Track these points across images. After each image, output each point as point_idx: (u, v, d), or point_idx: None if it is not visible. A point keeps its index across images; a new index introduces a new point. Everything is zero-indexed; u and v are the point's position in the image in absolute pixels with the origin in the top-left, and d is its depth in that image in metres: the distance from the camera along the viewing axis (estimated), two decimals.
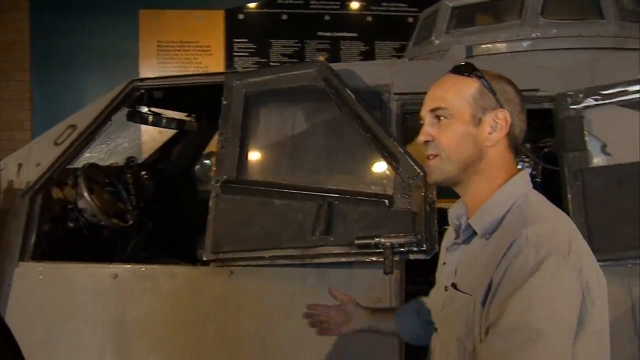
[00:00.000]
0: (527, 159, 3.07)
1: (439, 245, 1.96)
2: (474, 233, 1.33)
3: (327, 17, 6.11)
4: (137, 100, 2.62)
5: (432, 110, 1.35)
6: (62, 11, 5.54)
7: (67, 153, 2.47)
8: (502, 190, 1.30)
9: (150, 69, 5.67)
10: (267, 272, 2.19)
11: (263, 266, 2.16)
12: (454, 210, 1.45)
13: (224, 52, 5.91)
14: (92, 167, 2.76)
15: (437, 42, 2.66)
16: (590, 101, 2.15)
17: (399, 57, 5.99)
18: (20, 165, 2.49)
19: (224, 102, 2.33)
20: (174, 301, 2.24)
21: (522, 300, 1.09)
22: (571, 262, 1.13)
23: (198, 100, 3.22)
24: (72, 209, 2.64)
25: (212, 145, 4.04)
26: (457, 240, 1.40)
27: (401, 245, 1.97)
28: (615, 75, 2.20)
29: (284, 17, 6.03)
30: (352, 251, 2.03)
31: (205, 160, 4.49)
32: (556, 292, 1.10)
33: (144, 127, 4.83)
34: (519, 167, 2.86)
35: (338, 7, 6.13)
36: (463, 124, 1.31)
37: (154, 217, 3.35)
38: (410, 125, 2.49)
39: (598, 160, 2.12)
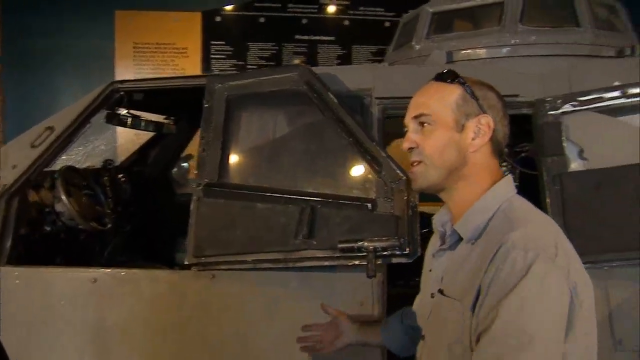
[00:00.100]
0: (504, 164, 3.11)
1: (422, 248, 1.99)
2: (460, 239, 1.34)
3: (304, 21, 6.11)
4: (116, 102, 2.59)
5: (416, 117, 1.36)
6: (36, 11, 5.43)
7: (45, 155, 2.44)
8: (487, 196, 1.32)
9: (126, 71, 5.59)
10: (249, 276, 2.18)
11: (245, 270, 2.15)
12: (439, 217, 1.47)
13: (201, 54, 5.85)
14: (69, 169, 2.72)
15: (417, 47, 2.68)
16: (568, 107, 2.19)
17: (376, 61, 6.03)
18: None
19: (206, 105, 2.31)
20: (155, 305, 2.21)
21: (513, 305, 1.10)
22: (559, 264, 1.14)
23: (177, 102, 3.19)
24: (49, 212, 2.59)
25: (190, 148, 4.01)
26: (442, 246, 1.41)
27: (384, 248, 1.98)
28: (591, 82, 2.25)
29: (262, 20, 6.00)
30: (335, 255, 2.03)
31: (183, 163, 4.46)
32: (546, 296, 1.11)
33: (119, 129, 4.78)
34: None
35: (315, 10, 6.13)
36: (446, 130, 1.32)
37: (131, 220, 3.31)
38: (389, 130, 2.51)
39: (576, 165, 2.16)
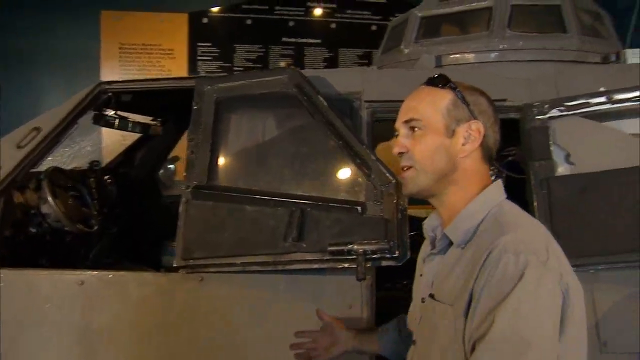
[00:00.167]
0: (491, 167, 3.14)
1: (411, 252, 2.00)
2: (450, 243, 1.35)
3: (291, 23, 6.13)
4: (104, 103, 2.57)
5: (406, 122, 1.37)
6: (21, 10, 5.38)
7: (31, 156, 2.40)
8: (477, 200, 1.33)
9: (112, 72, 5.56)
10: (237, 278, 2.17)
11: (234, 273, 2.14)
12: (429, 222, 1.47)
13: (187, 56, 5.85)
14: (55, 170, 2.69)
15: (406, 51, 2.69)
16: (555, 112, 2.21)
17: (362, 64, 6.05)
18: None
19: (195, 107, 2.30)
20: (143, 308, 2.19)
21: (509, 311, 1.10)
22: (551, 268, 1.14)
23: (163, 104, 3.18)
24: (34, 214, 2.56)
25: (177, 150, 4.00)
26: (433, 251, 1.42)
27: (373, 252, 1.98)
28: (577, 87, 2.28)
29: (249, 22, 6.01)
30: (325, 258, 2.03)
31: (170, 164, 4.44)
32: (541, 301, 1.12)
33: (104, 130, 4.74)
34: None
35: (302, 13, 6.15)
36: (437, 135, 1.33)
37: (117, 222, 3.28)
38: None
39: (562, 169, 2.18)
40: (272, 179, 2.20)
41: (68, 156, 3.37)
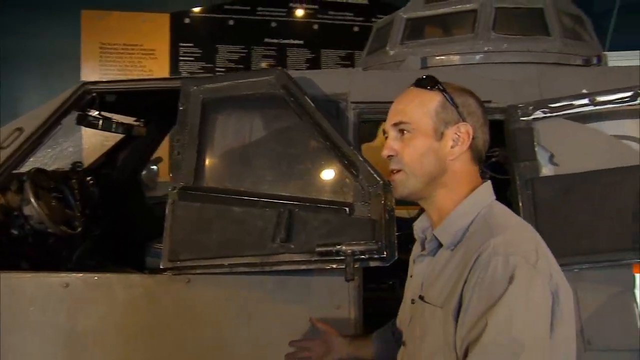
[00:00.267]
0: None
1: (399, 252, 2.01)
2: (440, 245, 1.34)
3: (273, 24, 6.12)
4: (88, 103, 2.54)
5: (395, 125, 1.36)
6: (0, 9, 5.30)
7: (13, 157, 2.37)
8: (466, 202, 1.33)
9: (93, 72, 5.51)
10: (225, 279, 2.16)
11: (222, 274, 2.13)
12: (419, 224, 1.47)
13: (169, 56, 5.81)
14: (38, 172, 2.65)
15: (392, 52, 2.70)
16: (539, 113, 2.25)
17: (344, 65, 6.07)
18: None
19: (181, 108, 2.29)
20: (129, 311, 2.17)
21: (501, 314, 1.10)
22: (541, 269, 1.15)
23: (146, 104, 3.15)
24: (17, 215, 2.51)
25: (160, 151, 3.97)
26: (423, 252, 1.41)
27: (362, 252, 1.98)
28: (560, 89, 2.32)
29: (231, 22, 5.99)
30: (313, 259, 2.02)
31: (153, 166, 4.41)
32: (532, 302, 1.12)
33: (85, 131, 4.69)
34: None
35: (285, 14, 6.15)
36: (425, 138, 1.33)
37: (100, 224, 3.25)
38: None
39: (547, 170, 2.21)
40: (260, 180, 2.19)
41: (50, 157, 3.33)
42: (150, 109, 3.32)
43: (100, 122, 2.81)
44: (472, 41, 2.52)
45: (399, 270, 2.76)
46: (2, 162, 2.35)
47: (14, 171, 2.51)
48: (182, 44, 5.86)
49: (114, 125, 2.98)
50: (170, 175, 2.26)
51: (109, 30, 5.62)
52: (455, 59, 2.53)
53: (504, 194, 2.19)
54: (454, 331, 1.19)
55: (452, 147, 1.33)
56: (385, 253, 1.99)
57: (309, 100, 2.17)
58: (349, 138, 2.24)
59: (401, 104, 1.38)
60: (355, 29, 6.22)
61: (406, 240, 2.30)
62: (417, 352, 1.33)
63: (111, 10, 5.64)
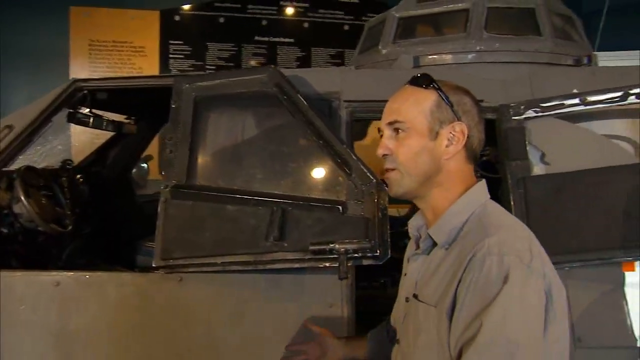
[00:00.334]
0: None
1: (390, 250, 2.01)
2: (434, 244, 1.34)
3: (264, 22, 6.11)
4: (79, 101, 2.53)
5: (390, 124, 1.36)
6: None
7: (3, 155, 2.35)
8: (460, 201, 1.33)
9: (82, 69, 5.46)
10: (217, 278, 2.16)
11: (214, 273, 2.13)
12: (413, 222, 1.47)
13: (159, 54, 5.78)
14: (28, 169, 2.62)
15: (384, 51, 2.71)
16: (530, 113, 2.26)
17: (335, 63, 6.08)
18: None
19: (173, 106, 2.28)
20: (121, 309, 2.16)
21: (496, 314, 1.10)
22: (535, 268, 1.15)
23: (137, 102, 3.14)
24: (6, 214, 2.49)
25: (150, 149, 3.95)
26: (417, 251, 1.42)
27: (355, 251, 1.99)
28: (551, 89, 2.33)
29: (221, 20, 5.97)
30: (306, 257, 2.03)
31: (143, 164, 4.38)
32: (527, 303, 1.12)
33: (74, 129, 4.65)
34: None
35: (275, 12, 6.14)
36: (420, 137, 1.32)
37: (90, 222, 3.22)
38: None
39: (538, 169, 2.23)
40: (253, 178, 2.19)
41: (40, 155, 3.30)
42: (140, 107, 3.30)
43: (91, 119, 2.78)
44: (464, 40, 2.53)
45: (390, 269, 2.78)
46: None
47: (4, 169, 2.49)
48: (172, 42, 5.82)
49: (104, 123, 2.96)
50: (162, 173, 2.25)
51: (98, 27, 5.58)
52: (448, 58, 2.54)
53: (495, 193, 2.20)
54: (447, 330, 1.19)
55: (446, 146, 1.33)
56: (378, 251, 1.99)
57: (302, 99, 2.17)
58: (341, 136, 2.24)
59: (396, 103, 1.37)
60: (346, 27, 6.22)
61: (397, 238, 2.31)
62: (410, 350, 1.33)
63: (100, 7, 5.59)
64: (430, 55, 2.55)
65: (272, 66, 2.26)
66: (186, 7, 5.87)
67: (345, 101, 2.35)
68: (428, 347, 1.25)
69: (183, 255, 2.14)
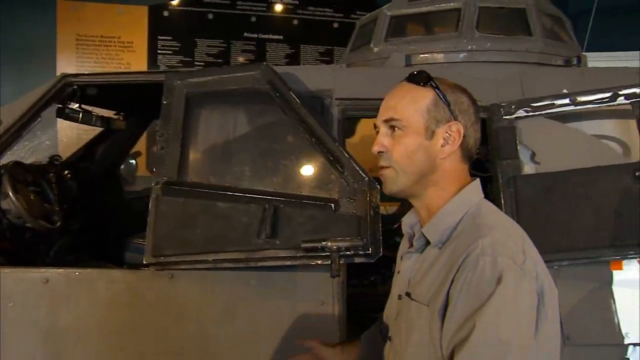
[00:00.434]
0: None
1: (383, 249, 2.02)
2: (428, 242, 1.34)
3: (253, 19, 6.08)
4: (68, 96, 2.50)
5: (386, 121, 1.34)
6: None
7: None
8: (454, 200, 1.32)
9: (69, 64, 5.39)
10: (208, 275, 2.15)
11: (206, 270, 2.12)
12: (407, 220, 1.46)
13: (147, 49, 5.73)
14: (16, 165, 2.59)
15: (376, 49, 2.71)
16: (521, 112, 2.28)
17: (324, 61, 6.07)
18: None
19: (164, 102, 2.27)
20: (111, 307, 2.15)
21: (489, 315, 1.10)
22: (528, 270, 1.15)
23: (126, 98, 3.11)
24: None
25: (138, 145, 3.93)
26: (410, 249, 1.41)
27: (347, 248, 1.99)
28: (541, 88, 2.35)
29: (210, 16, 5.93)
30: (298, 254, 2.03)
31: (131, 160, 4.35)
32: (520, 304, 1.12)
33: (61, 124, 4.60)
34: None
35: (264, 9, 6.11)
36: (416, 136, 1.31)
37: (78, 218, 3.20)
38: None
39: (528, 168, 2.24)
40: (244, 175, 2.19)
41: (27, 150, 3.26)
42: (129, 103, 3.28)
43: (81, 115, 2.76)
44: (456, 40, 2.54)
45: (380, 267, 2.78)
46: None
47: None
48: (160, 37, 5.77)
49: (93, 119, 2.94)
50: (153, 169, 2.23)
51: (86, 22, 5.50)
52: (439, 57, 2.55)
53: (485, 191, 2.22)
54: (439, 329, 1.19)
55: (442, 145, 1.31)
56: (370, 249, 2.00)
57: (294, 96, 2.17)
58: (333, 134, 2.24)
59: (393, 100, 1.35)
60: (335, 25, 6.21)
61: (387, 236, 2.32)
62: (403, 348, 1.33)
63: (88, 2, 5.52)
64: (422, 54, 2.56)
65: (265, 63, 2.25)
66: (175, 2, 5.82)
67: (337, 99, 2.35)
68: (420, 345, 1.25)
69: (174, 252, 2.13)
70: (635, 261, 2.20)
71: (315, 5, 6.19)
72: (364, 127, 4.06)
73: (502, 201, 2.19)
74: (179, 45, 5.83)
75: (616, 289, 2.18)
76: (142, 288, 2.18)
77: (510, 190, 2.20)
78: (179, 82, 2.28)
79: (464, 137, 1.33)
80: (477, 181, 1.38)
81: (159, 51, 5.76)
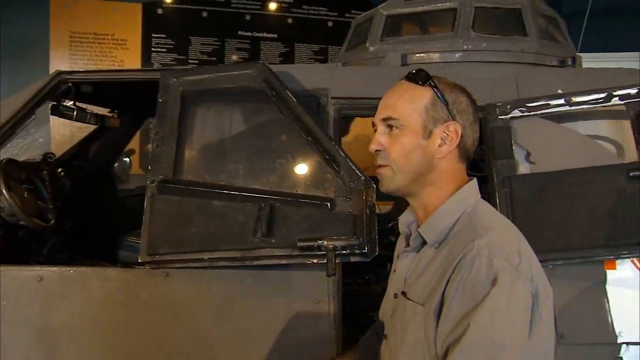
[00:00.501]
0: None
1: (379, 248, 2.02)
2: (424, 242, 1.34)
3: (247, 17, 6.06)
4: (63, 93, 2.49)
5: (384, 120, 1.34)
6: None
7: None
8: (451, 200, 1.32)
9: (62, 61, 5.35)
10: (203, 273, 2.15)
11: (201, 268, 2.12)
12: (404, 218, 1.46)
13: (141, 47, 5.70)
14: (9, 162, 2.57)
15: (371, 48, 2.72)
16: (516, 112, 2.29)
17: (318, 60, 6.07)
18: None
19: (160, 100, 2.26)
20: (106, 305, 2.14)
21: (484, 316, 1.11)
22: (522, 271, 1.15)
23: (120, 95, 3.10)
24: None
25: (132, 143, 3.91)
26: (407, 248, 1.41)
27: (343, 247, 1.99)
28: (536, 89, 2.36)
29: (204, 14, 5.91)
30: (294, 253, 2.03)
31: (125, 158, 4.33)
32: (514, 305, 1.13)
33: (54, 121, 4.57)
34: None
35: (259, 7, 6.10)
36: (414, 135, 1.31)
37: (71, 216, 3.18)
38: None
39: (523, 168, 2.25)
40: (240, 173, 2.18)
41: (20, 148, 3.24)
42: (123, 100, 3.27)
43: (75, 112, 2.75)
44: (451, 39, 2.55)
45: (375, 266, 2.78)
46: None
47: None
48: (154, 35, 5.74)
49: (88, 116, 2.92)
50: (149, 167, 2.23)
51: (79, 19, 5.46)
52: (435, 56, 2.55)
53: (480, 191, 2.22)
54: (434, 329, 1.19)
55: (440, 145, 1.32)
56: (366, 248, 2.00)
57: (290, 95, 2.17)
58: (329, 133, 2.24)
59: (391, 98, 1.36)
60: (330, 23, 6.21)
61: (381, 235, 2.32)
62: (398, 347, 1.33)
63: None
64: (417, 53, 2.57)
65: (261, 62, 2.25)
66: (169, 0, 5.80)
67: (333, 98, 2.35)
68: (415, 344, 1.25)
69: (169, 250, 2.12)
70: (629, 261, 2.22)
71: (309, 4, 6.18)
72: (359, 126, 4.06)
73: (497, 201, 2.20)
74: (173, 43, 5.80)
75: (610, 289, 2.20)
76: (137, 286, 2.17)
77: (505, 190, 2.21)
78: (174, 80, 2.27)
79: (461, 137, 1.33)
80: (474, 181, 1.39)
81: (152, 49, 5.73)
